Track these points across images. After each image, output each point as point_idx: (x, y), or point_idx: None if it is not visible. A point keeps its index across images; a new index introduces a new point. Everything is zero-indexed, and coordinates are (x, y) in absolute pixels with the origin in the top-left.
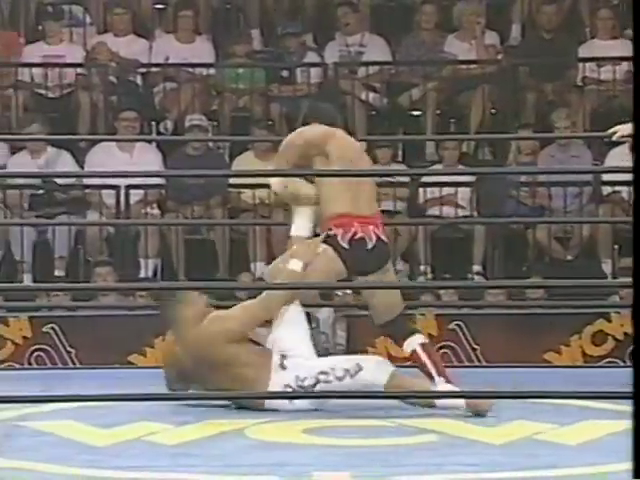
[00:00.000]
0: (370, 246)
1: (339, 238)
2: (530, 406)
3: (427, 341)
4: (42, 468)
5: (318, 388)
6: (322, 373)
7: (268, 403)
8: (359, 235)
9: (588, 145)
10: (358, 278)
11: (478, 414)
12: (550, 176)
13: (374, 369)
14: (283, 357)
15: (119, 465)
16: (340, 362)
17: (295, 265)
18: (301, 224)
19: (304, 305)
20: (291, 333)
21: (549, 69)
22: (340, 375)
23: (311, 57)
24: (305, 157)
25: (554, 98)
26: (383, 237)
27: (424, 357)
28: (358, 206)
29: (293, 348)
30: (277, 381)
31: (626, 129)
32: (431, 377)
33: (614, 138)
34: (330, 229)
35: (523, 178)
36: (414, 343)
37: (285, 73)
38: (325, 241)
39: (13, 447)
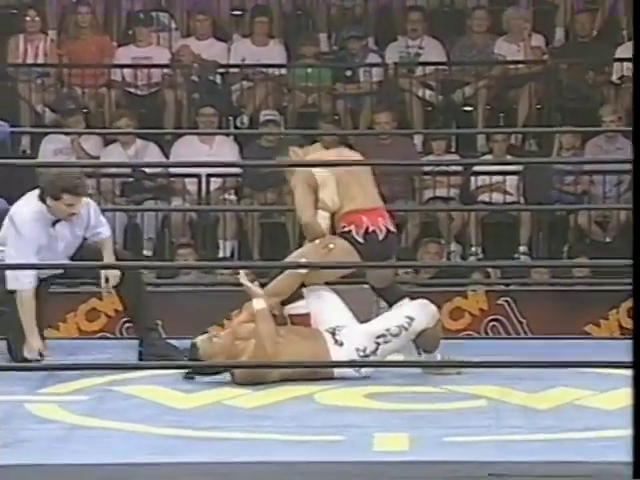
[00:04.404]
0: (382, 237)
1: (354, 233)
2: (572, 374)
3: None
4: (130, 427)
5: (380, 350)
6: (379, 337)
7: (337, 373)
8: (371, 229)
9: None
10: None
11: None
12: (592, 165)
13: (424, 316)
14: (333, 333)
15: (200, 426)
16: (391, 321)
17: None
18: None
19: None
20: (325, 306)
21: (589, 68)
22: (396, 332)
23: (372, 58)
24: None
25: (594, 95)
26: (391, 227)
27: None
28: (361, 201)
29: (335, 320)
30: (339, 358)
31: None
32: None
33: None
34: (344, 226)
35: (567, 167)
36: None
37: (349, 73)
38: (341, 236)
39: (105, 409)
